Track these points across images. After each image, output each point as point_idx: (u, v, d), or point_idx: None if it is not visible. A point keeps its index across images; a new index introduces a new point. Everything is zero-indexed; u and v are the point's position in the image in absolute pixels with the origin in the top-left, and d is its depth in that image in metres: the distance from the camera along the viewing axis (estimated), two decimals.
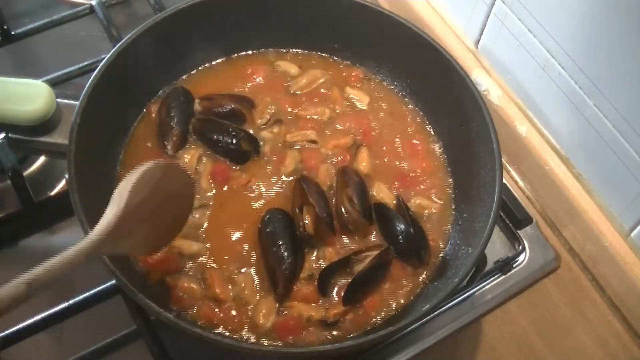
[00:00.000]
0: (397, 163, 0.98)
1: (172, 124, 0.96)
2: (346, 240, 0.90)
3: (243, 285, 0.85)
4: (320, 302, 0.85)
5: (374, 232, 0.91)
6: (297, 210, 0.89)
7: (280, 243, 0.85)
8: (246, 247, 0.88)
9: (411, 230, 0.88)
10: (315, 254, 0.88)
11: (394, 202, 0.93)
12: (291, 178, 0.94)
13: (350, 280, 0.85)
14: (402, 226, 0.88)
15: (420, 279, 0.88)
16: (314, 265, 0.88)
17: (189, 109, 0.99)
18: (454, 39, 1.19)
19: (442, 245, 0.92)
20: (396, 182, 0.96)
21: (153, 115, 0.99)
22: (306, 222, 0.88)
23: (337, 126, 1.01)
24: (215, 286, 0.84)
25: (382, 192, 0.95)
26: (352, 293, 0.84)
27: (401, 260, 0.89)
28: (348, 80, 1.06)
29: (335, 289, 0.86)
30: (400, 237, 0.88)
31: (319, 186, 0.92)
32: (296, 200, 0.90)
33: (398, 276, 0.88)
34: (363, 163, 0.97)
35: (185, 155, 0.95)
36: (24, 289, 0.56)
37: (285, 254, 0.85)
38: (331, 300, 0.85)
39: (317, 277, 0.85)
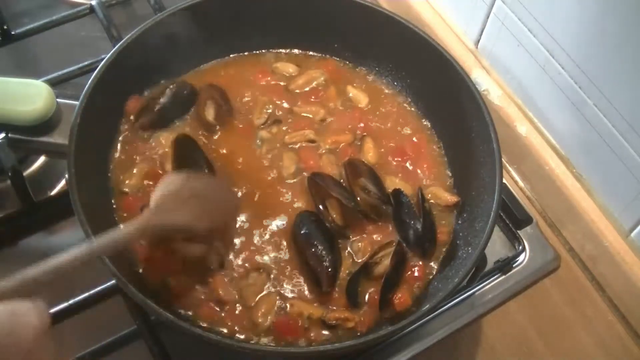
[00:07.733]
0: (397, 163, 0.98)
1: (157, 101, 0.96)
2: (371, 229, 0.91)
3: (244, 283, 0.85)
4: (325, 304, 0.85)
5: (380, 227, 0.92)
6: (320, 208, 0.90)
7: (316, 243, 0.86)
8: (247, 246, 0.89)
9: (420, 220, 0.89)
10: (348, 249, 0.89)
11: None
12: (296, 179, 0.94)
13: (376, 284, 0.86)
14: (414, 216, 0.90)
15: (422, 279, 0.88)
16: (350, 261, 0.89)
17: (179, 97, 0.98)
18: (454, 39, 1.19)
19: (442, 245, 0.92)
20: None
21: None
22: (334, 216, 0.89)
23: (336, 125, 1.01)
24: (217, 286, 0.84)
25: (393, 184, 0.95)
26: (385, 297, 0.84)
27: (407, 248, 0.89)
28: (347, 79, 1.06)
29: (366, 296, 0.86)
30: (411, 223, 0.90)
31: (334, 178, 0.93)
32: (316, 198, 0.91)
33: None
34: (370, 153, 0.97)
35: (161, 139, 0.95)
36: (85, 249, 0.65)
37: (324, 252, 0.86)
38: (361, 308, 0.86)
39: (345, 290, 0.86)
